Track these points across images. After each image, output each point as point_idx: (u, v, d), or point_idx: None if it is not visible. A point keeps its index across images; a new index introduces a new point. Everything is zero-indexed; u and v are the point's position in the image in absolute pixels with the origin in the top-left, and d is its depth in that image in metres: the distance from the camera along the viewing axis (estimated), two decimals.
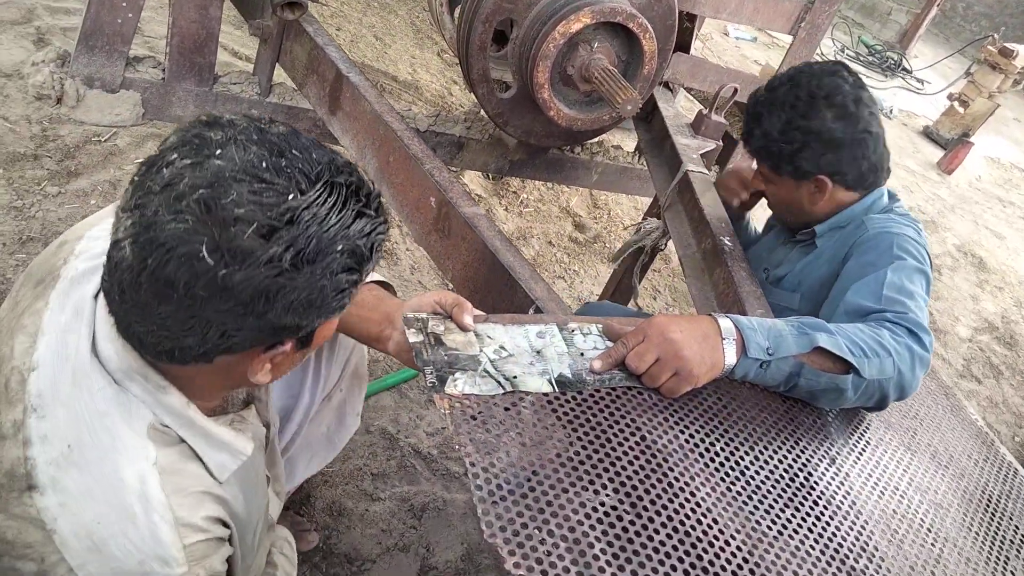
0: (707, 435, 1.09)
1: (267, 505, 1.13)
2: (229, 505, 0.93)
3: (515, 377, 1.04)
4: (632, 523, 0.90)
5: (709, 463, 1.05)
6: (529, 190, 3.45)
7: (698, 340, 1.11)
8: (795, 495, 1.07)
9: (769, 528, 0.99)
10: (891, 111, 6.98)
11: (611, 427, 1.03)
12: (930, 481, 1.27)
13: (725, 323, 1.15)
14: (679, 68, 2.64)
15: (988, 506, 1.31)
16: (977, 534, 1.22)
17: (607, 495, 0.93)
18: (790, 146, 1.55)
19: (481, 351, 1.07)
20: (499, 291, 1.48)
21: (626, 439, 1.02)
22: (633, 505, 0.93)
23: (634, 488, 0.95)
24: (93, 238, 0.95)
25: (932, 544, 1.13)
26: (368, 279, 1.22)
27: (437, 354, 1.04)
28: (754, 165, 1.74)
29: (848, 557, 1.01)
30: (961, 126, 6.69)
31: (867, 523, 1.09)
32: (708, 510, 0.97)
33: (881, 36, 9.30)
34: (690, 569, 0.88)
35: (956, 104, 6.74)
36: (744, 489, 1.04)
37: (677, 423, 1.09)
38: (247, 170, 0.74)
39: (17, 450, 0.82)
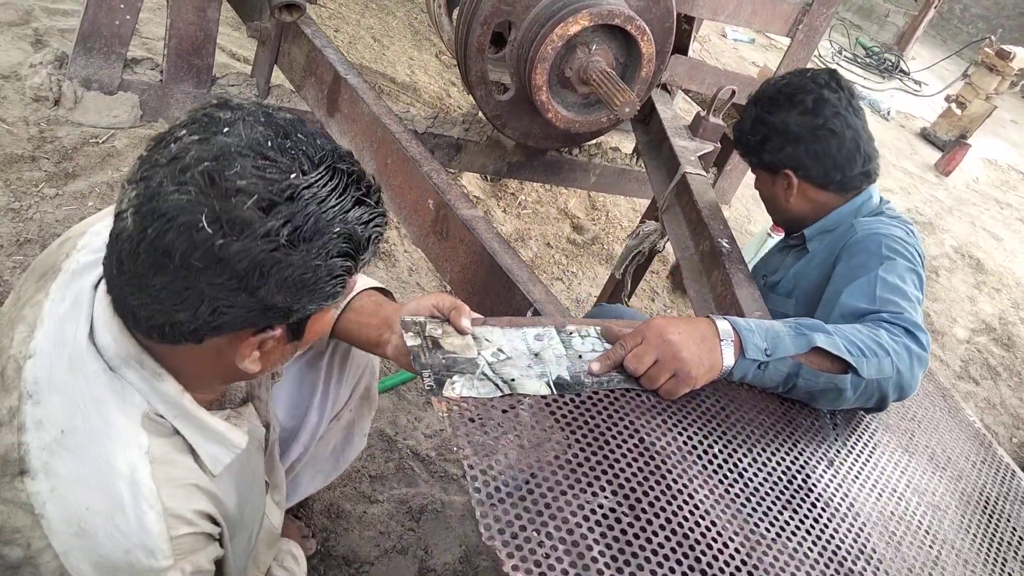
0: (705, 437, 1.09)
1: (264, 511, 1.12)
2: (221, 502, 0.92)
3: (513, 380, 1.04)
4: (631, 525, 0.90)
5: (707, 465, 1.05)
6: (527, 192, 3.45)
7: (696, 342, 1.11)
8: (793, 497, 1.07)
9: (767, 530, 0.99)
10: (888, 113, 6.99)
11: (609, 429, 1.03)
12: (928, 483, 1.27)
13: (723, 325, 1.15)
14: (677, 70, 2.64)
15: (986, 508, 1.31)
16: (975, 536, 1.22)
17: (605, 497, 0.93)
18: (755, 138, 1.68)
19: (479, 354, 1.07)
20: (497, 293, 1.48)
21: (624, 441, 1.02)
22: (632, 507, 0.93)
23: (632, 490, 0.95)
24: (95, 233, 0.96)
25: (930, 546, 1.13)
26: (367, 286, 1.22)
27: (435, 357, 1.04)
28: None
29: (846, 559, 1.01)
30: (958, 128, 6.70)
31: (865, 525, 1.09)
32: (706, 512, 0.97)
33: (879, 38, 9.32)
34: (688, 571, 0.88)
35: (953, 106, 6.76)
36: (742, 491, 1.04)
37: (675, 425, 1.09)
38: (252, 147, 0.76)
39: (12, 436, 0.83)
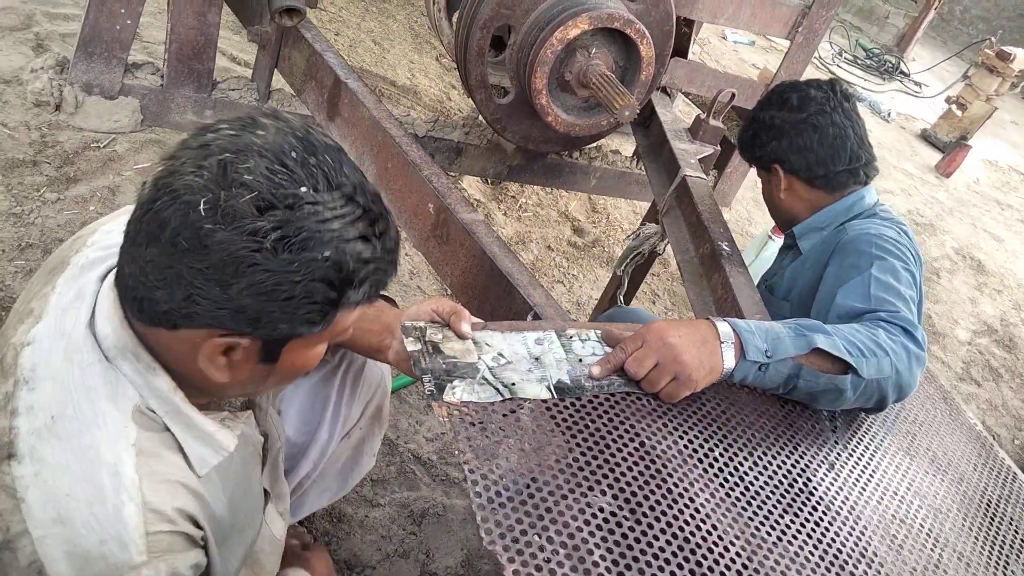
0: (706, 441, 1.09)
1: (263, 520, 1.12)
2: (207, 504, 0.91)
3: (513, 384, 1.04)
4: (631, 529, 0.91)
5: (708, 469, 1.05)
6: (528, 195, 3.45)
7: (696, 344, 1.11)
8: (794, 501, 1.07)
9: (768, 534, 0.99)
10: (889, 114, 6.99)
11: (610, 433, 1.03)
12: (929, 486, 1.27)
13: (723, 327, 1.15)
14: (677, 73, 2.64)
15: (987, 510, 1.31)
16: (976, 538, 1.22)
17: (606, 501, 0.93)
18: (747, 135, 1.77)
19: (479, 358, 1.07)
20: (497, 297, 1.48)
21: (625, 445, 1.02)
22: (632, 511, 0.93)
23: (633, 494, 0.95)
24: (106, 232, 0.98)
25: (931, 549, 1.13)
26: None
27: (435, 362, 1.04)
28: None
29: (848, 563, 1.01)
30: (959, 129, 6.70)
31: (866, 528, 1.09)
32: (707, 516, 0.97)
33: (879, 39, 9.32)
34: (689, 575, 0.88)
35: (954, 107, 6.76)
36: (743, 495, 1.04)
37: (676, 429, 1.09)
38: (274, 151, 0.77)
39: (4, 420, 0.83)
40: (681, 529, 0.93)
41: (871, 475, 1.21)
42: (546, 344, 1.14)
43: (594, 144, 2.69)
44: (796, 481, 1.11)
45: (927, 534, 1.16)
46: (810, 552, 0.99)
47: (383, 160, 1.83)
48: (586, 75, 2.02)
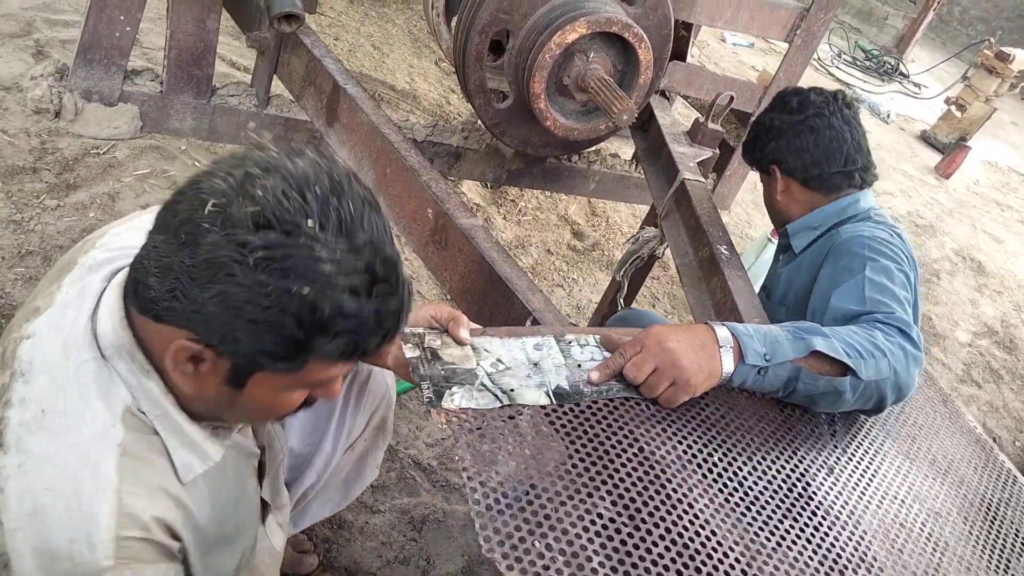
0: (705, 445, 1.09)
1: (258, 531, 1.12)
2: (189, 512, 0.91)
3: (512, 390, 1.04)
4: (631, 535, 0.90)
5: (707, 474, 1.05)
6: (527, 198, 3.45)
7: (695, 349, 1.11)
8: (793, 505, 1.07)
9: (768, 539, 0.99)
10: (888, 116, 6.99)
11: (609, 439, 1.03)
12: (929, 489, 1.27)
13: (722, 331, 1.15)
14: (675, 76, 2.65)
15: (988, 513, 1.31)
16: (977, 541, 1.22)
17: (605, 507, 0.93)
18: (749, 138, 1.81)
19: (478, 364, 1.07)
20: (496, 302, 1.48)
21: (624, 451, 1.02)
22: (632, 517, 0.93)
23: (632, 500, 0.95)
24: (115, 234, 0.98)
25: (932, 552, 1.13)
26: None
27: (434, 369, 1.04)
28: None
29: (847, 567, 1.01)
30: (958, 130, 6.70)
31: (866, 533, 1.09)
32: (706, 521, 0.97)
33: (878, 41, 9.32)
34: None
35: (953, 108, 6.75)
36: (742, 500, 1.04)
37: (675, 434, 1.09)
38: (299, 180, 0.77)
39: None
40: (680, 535, 0.93)
41: (871, 479, 1.21)
42: (545, 349, 1.14)
43: (593, 148, 2.69)
44: (795, 486, 1.11)
45: (927, 538, 1.15)
46: (809, 557, 0.99)
47: (382, 165, 1.83)
48: (584, 79, 2.02)
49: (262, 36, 2.28)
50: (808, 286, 1.56)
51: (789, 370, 1.17)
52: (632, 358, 1.11)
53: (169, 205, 0.79)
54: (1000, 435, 3.39)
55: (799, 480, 1.12)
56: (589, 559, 0.86)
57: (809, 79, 7.00)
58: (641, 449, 1.03)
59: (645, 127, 2.53)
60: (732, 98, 2.36)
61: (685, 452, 1.07)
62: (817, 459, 1.19)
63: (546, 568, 0.83)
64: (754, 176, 1.88)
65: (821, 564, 0.99)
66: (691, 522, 0.96)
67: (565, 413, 1.05)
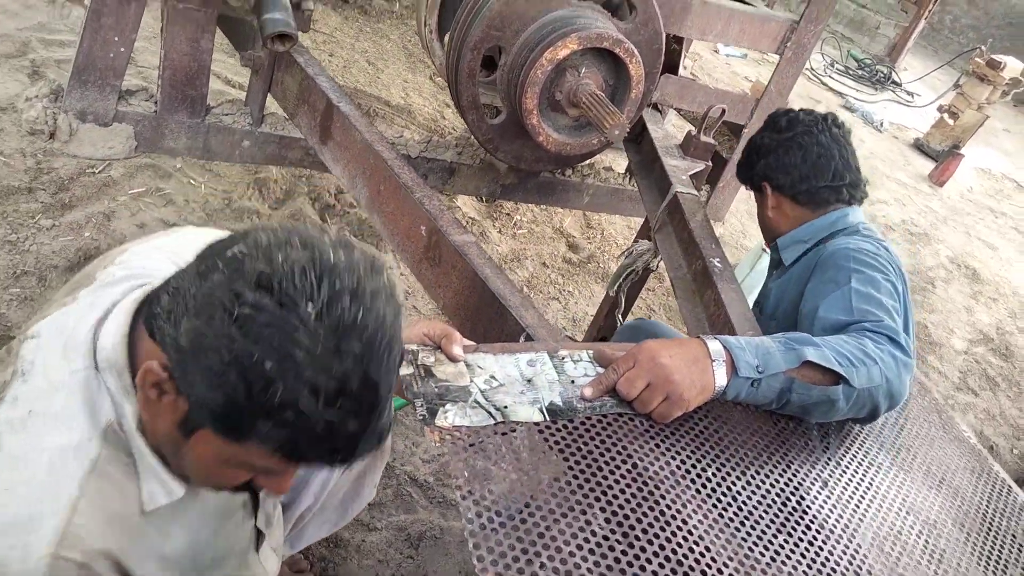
0: (698, 460, 1.10)
1: (248, 558, 1.11)
2: (148, 544, 0.89)
3: (506, 407, 1.05)
4: (624, 553, 0.91)
5: (701, 489, 1.05)
6: (523, 212, 3.46)
7: (688, 363, 1.12)
8: (787, 520, 1.07)
9: (762, 554, 0.99)
10: (881, 124, 7.03)
11: (603, 455, 1.03)
12: (924, 500, 1.27)
13: (714, 345, 1.15)
14: (667, 90, 2.66)
15: (983, 523, 1.31)
16: (972, 551, 1.22)
17: (599, 525, 0.93)
18: (742, 158, 1.87)
19: (471, 381, 1.07)
20: (490, 319, 1.48)
21: (618, 467, 1.02)
22: (625, 534, 0.93)
23: (626, 517, 0.95)
24: (134, 253, 1.00)
25: (928, 563, 1.13)
26: None
27: (427, 386, 1.04)
28: None
29: None
30: (951, 138, 6.73)
31: (861, 546, 1.09)
32: (700, 538, 0.97)
33: (870, 50, 9.38)
34: None
35: (946, 116, 6.79)
36: (736, 515, 1.04)
37: (668, 449, 1.09)
38: (325, 267, 0.75)
39: None
40: (674, 551, 0.93)
41: (865, 491, 1.21)
42: (538, 366, 1.14)
43: (587, 162, 2.70)
44: (789, 500, 1.11)
45: (922, 549, 1.16)
46: (804, 571, 0.99)
47: (375, 183, 1.84)
48: (576, 95, 2.03)
49: (256, 55, 2.30)
50: (797, 299, 1.57)
51: (782, 381, 1.18)
52: (625, 373, 1.12)
53: (218, 239, 0.81)
54: (997, 443, 3.39)
55: (793, 494, 1.12)
56: None
57: (802, 89, 7.04)
58: (635, 465, 1.03)
59: (638, 140, 2.55)
60: (724, 110, 2.38)
61: (679, 467, 1.07)
62: (811, 472, 1.19)
63: None
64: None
65: None
66: (685, 538, 0.96)
67: (559, 430, 1.05)
